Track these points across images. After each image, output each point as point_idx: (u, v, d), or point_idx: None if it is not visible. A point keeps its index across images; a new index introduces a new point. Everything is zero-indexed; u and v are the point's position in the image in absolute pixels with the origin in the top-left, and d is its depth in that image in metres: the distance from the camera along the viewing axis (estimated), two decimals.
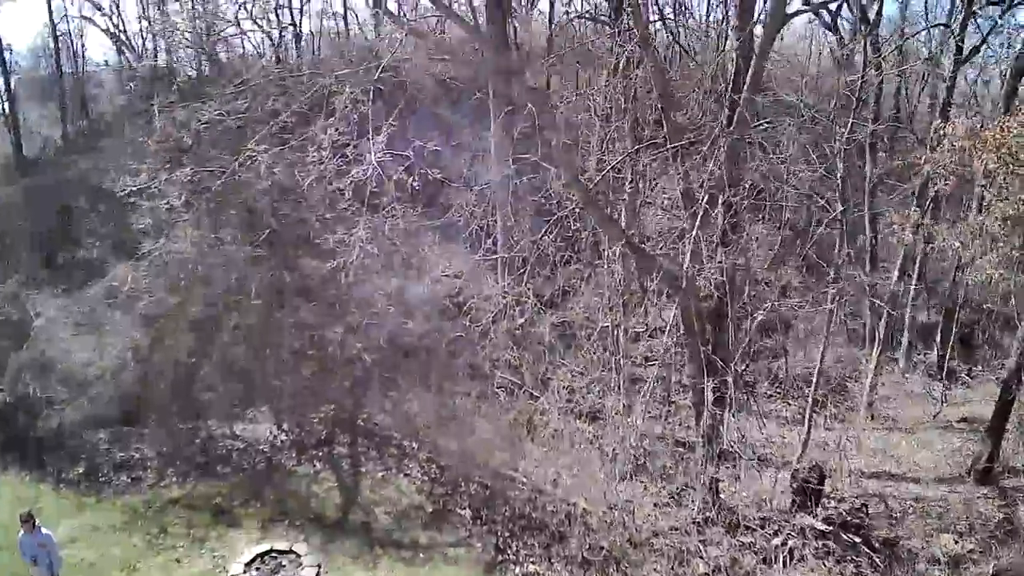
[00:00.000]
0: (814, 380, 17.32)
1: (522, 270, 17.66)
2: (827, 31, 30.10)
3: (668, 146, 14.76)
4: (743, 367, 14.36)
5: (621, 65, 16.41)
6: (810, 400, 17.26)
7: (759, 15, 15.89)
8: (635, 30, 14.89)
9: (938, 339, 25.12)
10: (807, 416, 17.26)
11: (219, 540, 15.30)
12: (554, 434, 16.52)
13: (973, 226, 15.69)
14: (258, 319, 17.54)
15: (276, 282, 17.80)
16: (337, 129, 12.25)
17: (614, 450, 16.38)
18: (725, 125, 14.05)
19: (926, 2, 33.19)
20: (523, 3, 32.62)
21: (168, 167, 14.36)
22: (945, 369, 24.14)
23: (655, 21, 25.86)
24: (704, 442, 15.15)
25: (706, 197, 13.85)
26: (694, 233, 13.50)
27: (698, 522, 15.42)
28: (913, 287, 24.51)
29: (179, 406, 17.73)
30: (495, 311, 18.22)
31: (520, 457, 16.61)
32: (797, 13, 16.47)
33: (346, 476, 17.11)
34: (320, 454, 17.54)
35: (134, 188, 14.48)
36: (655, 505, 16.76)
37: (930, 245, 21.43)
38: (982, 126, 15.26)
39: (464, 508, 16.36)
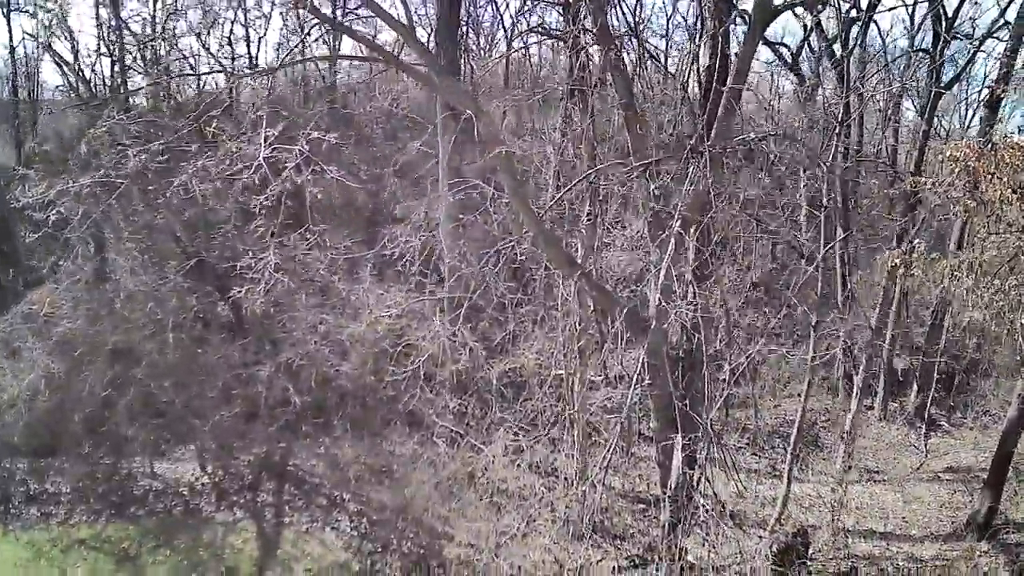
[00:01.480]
0: (795, 430, 15.99)
1: (467, 310, 16.53)
2: (790, 71, 29.66)
3: (634, 164, 12.95)
4: (716, 420, 12.96)
5: (577, 75, 15.18)
6: (790, 453, 15.90)
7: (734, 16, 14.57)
8: (593, 34, 13.45)
9: (915, 387, 24.12)
10: (787, 468, 15.86)
11: None
12: (498, 491, 15.19)
13: (971, 259, 14.39)
14: (182, 352, 16.24)
15: (203, 313, 16.53)
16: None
17: (566, 510, 15.22)
18: (702, 138, 12.39)
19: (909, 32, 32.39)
20: (479, 30, 31.60)
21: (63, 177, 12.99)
22: (926, 417, 23.08)
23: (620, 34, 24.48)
24: (670, 502, 13.83)
25: (678, 222, 12.20)
26: (664, 265, 11.97)
27: None
28: (890, 333, 23.46)
29: (96, 439, 16.38)
30: (438, 355, 17.04)
31: (460, 515, 15.28)
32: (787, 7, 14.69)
33: (268, 527, 15.85)
34: (242, 501, 16.28)
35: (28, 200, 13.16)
36: (614, 571, 15.40)
37: (910, 284, 20.53)
38: (992, 147, 13.74)
39: (394, 568, 15.09)
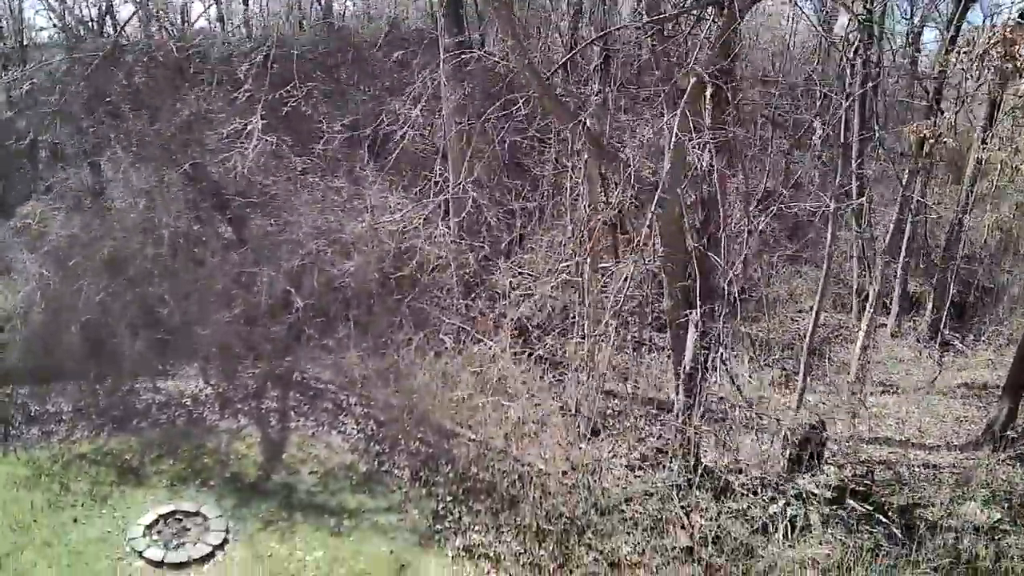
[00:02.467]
0: (811, 325, 15.35)
1: (474, 212, 16.05)
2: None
3: (646, 20, 12.02)
4: (733, 295, 12.33)
5: None
6: (806, 349, 15.33)
7: None
8: None
9: (929, 306, 23.51)
10: (803, 365, 15.25)
11: (123, 499, 13.76)
12: (506, 385, 14.66)
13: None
14: (180, 260, 15.86)
15: (200, 220, 16.09)
16: None
17: (577, 403, 14.78)
18: None
19: None
20: None
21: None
22: (940, 335, 22.51)
23: None
24: (684, 390, 13.37)
25: (692, 80, 11.30)
26: (676, 123, 10.96)
27: (679, 486, 13.48)
28: (905, 246, 22.77)
29: (95, 355, 16.07)
30: (445, 255, 16.61)
31: (468, 412, 14.84)
32: None
33: (272, 433, 15.49)
34: (246, 408, 15.95)
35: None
36: (626, 467, 14.90)
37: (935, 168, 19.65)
38: None
39: (402, 468, 14.73)
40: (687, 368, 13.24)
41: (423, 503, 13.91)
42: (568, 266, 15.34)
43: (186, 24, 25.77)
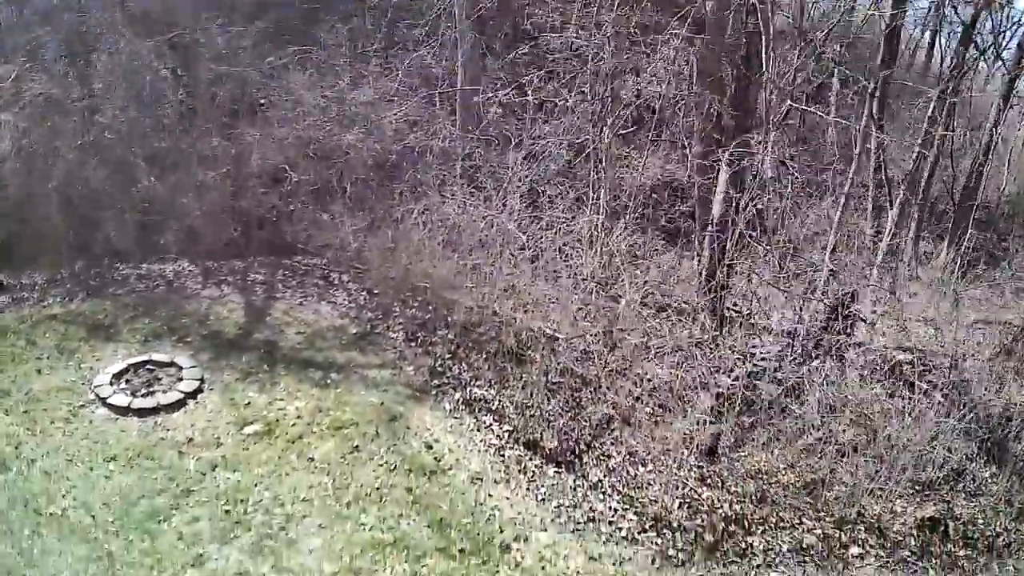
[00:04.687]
0: (841, 204, 14.02)
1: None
2: None
3: None
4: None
5: None
6: (836, 218, 13.96)
7: None
8: None
9: (946, 241, 22.16)
10: (832, 234, 13.88)
11: (92, 352, 12.62)
12: (510, 249, 13.36)
13: None
14: (163, 129, 14.81)
15: (185, 88, 15.09)
16: None
17: (592, 271, 13.50)
18: None
19: None
20: None
21: None
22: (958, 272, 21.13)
23: None
24: (716, 225, 12.12)
25: None
26: None
27: (702, 343, 12.10)
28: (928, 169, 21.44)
29: (73, 225, 14.89)
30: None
31: (469, 276, 13.59)
32: None
33: (257, 300, 14.32)
34: (231, 280, 14.79)
35: None
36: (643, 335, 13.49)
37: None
38: None
39: (396, 332, 13.54)
40: (718, 210, 12.06)
41: (419, 360, 12.78)
42: (586, 139, 14.11)
43: None
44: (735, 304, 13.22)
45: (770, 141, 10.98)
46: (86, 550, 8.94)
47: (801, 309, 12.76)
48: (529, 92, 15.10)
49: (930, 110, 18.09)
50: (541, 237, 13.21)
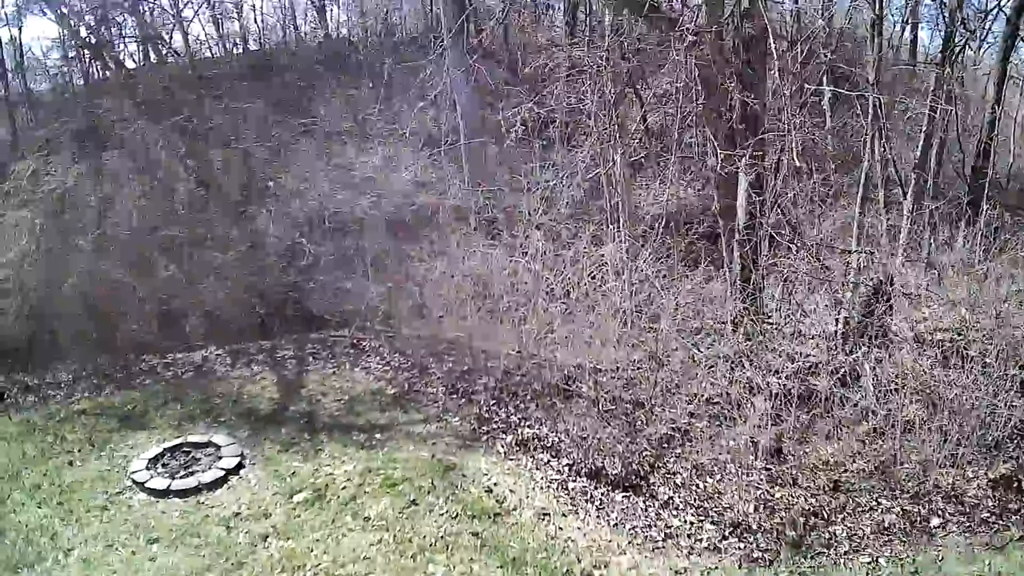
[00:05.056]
0: (858, 196, 13.78)
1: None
2: None
3: None
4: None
5: None
6: (859, 193, 13.66)
7: None
8: None
9: (962, 225, 21.84)
10: (855, 225, 13.54)
11: (124, 441, 12.13)
12: (540, 287, 13.03)
13: None
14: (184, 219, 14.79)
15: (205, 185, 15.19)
16: None
17: (620, 304, 13.20)
18: None
19: None
20: None
21: None
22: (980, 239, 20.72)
23: None
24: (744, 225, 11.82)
25: None
26: None
27: (747, 353, 11.59)
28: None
29: (96, 325, 14.67)
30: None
31: (503, 327, 13.23)
32: None
33: (289, 375, 13.90)
34: (260, 358, 14.41)
35: None
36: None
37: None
38: None
39: (434, 387, 13.08)
40: (743, 212, 11.87)
41: (463, 410, 12.27)
42: (598, 173, 14.13)
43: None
44: (775, 304, 12.84)
45: (791, 138, 10.84)
46: None
47: (841, 297, 12.40)
48: (533, 136, 15.17)
49: (929, 96, 18.12)
50: (569, 273, 12.97)
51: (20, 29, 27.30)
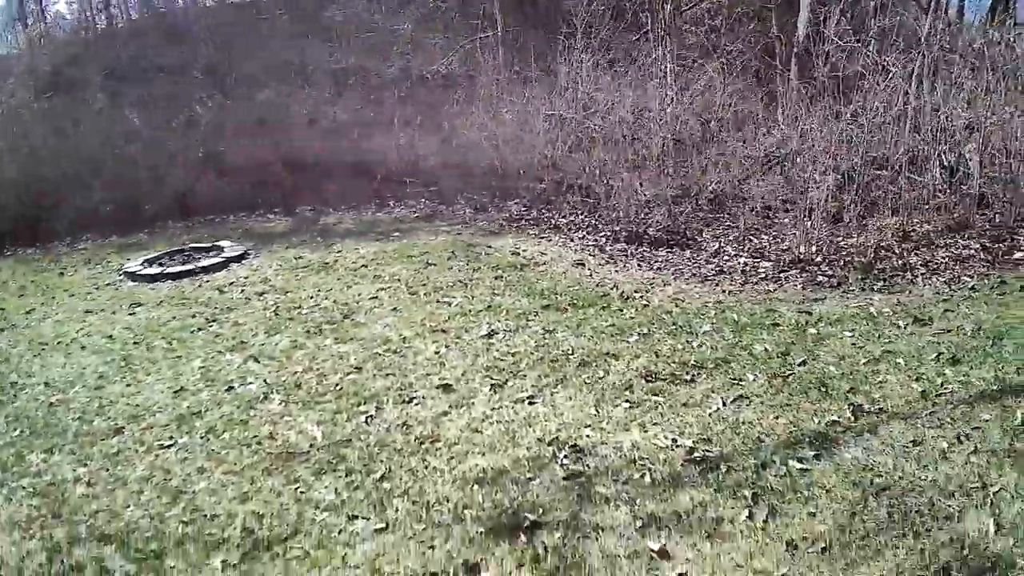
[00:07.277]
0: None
1: None
2: None
3: None
4: None
5: None
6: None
7: None
8: None
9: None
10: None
11: (121, 254, 11.14)
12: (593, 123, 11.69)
13: None
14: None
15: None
16: None
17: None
18: None
19: None
20: None
21: None
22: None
23: None
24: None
25: None
26: None
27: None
28: None
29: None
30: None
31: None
32: None
33: (307, 215, 12.79)
34: (277, 209, 13.33)
35: None
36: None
37: None
38: None
39: (460, 208, 11.83)
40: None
41: (492, 215, 10.98)
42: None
43: None
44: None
45: None
46: (96, 359, 6.95)
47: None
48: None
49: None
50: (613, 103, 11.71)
51: None
